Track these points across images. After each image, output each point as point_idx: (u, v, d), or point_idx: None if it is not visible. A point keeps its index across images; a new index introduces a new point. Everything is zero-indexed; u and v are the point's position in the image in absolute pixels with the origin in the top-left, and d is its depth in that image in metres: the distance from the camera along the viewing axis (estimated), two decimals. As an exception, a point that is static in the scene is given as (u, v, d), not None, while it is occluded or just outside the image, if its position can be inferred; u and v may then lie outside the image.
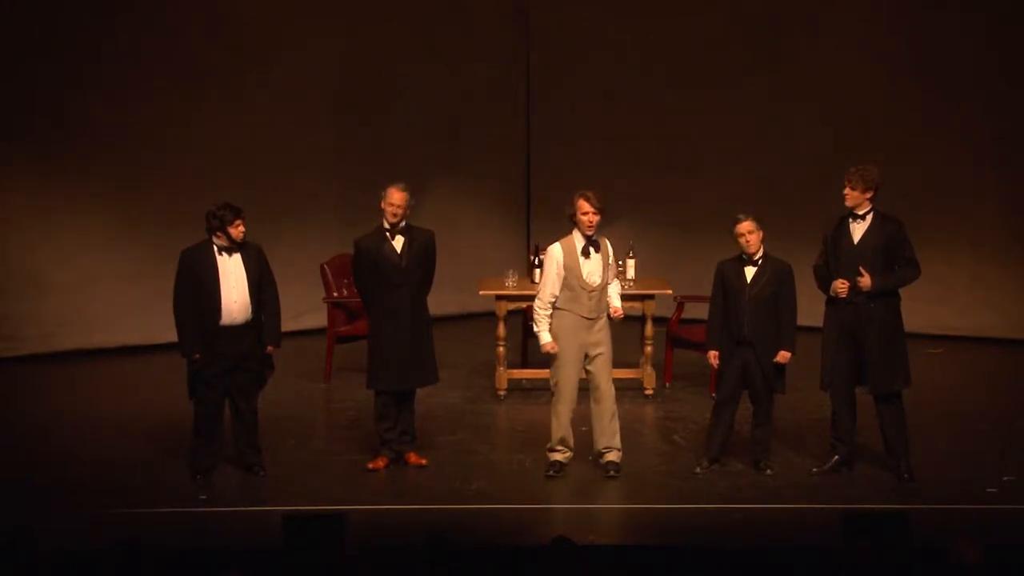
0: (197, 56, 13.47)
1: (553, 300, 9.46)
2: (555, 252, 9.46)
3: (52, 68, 12.90)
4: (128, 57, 13.20)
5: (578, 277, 9.41)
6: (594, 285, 9.42)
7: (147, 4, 13.35)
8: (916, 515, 6.96)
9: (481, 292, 11.90)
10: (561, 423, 9.54)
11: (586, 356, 9.49)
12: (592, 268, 9.44)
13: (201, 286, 9.35)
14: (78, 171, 13.16)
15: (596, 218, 9.38)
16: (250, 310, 9.42)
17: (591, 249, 9.45)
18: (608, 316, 9.57)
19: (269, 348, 9.56)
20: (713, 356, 9.60)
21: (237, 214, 9.37)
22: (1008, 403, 11.59)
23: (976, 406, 11.53)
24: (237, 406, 9.53)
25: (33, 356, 12.95)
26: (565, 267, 9.41)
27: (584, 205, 9.37)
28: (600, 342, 9.47)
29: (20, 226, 13.00)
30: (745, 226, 9.48)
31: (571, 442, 9.59)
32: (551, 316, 9.47)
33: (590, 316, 9.44)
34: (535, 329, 9.59)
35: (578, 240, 9.45)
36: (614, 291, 9.66)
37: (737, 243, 9.52)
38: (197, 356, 9.37)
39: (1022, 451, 10.16)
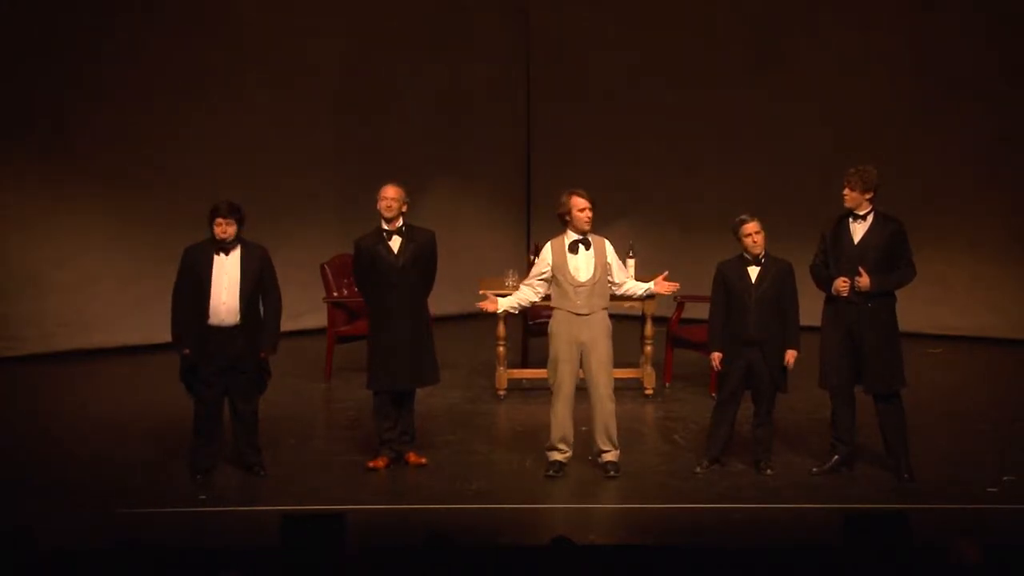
0: (197, 56, 13.48)
1: (532, 288, 9.60)
2: (545, 251, 9.60)
3: (52, 68, 12.91)
4: (128, 57, 13.22)
5: (564, 273, 9.45)
6: (580, 281, 9.44)
7: (147, 4, 13.36)
8: (916, 515, 6.95)
9: (481, 292, 11.86)
10: (559, 422, 9.54)
11: (581, 355, 9.51)
12: (580, 264, 9.46)
13: (196, 283, 9.35)
14: (78, 171, 13.16)
15: (592, 213, 9.42)
16: (238, 313, 9.35)
17: (580, 246, 9.47)
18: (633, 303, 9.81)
19: (262, 353, 9.50)
20: (716, 358, 9.58)
21: (226, 213, 9.30)
22: (1008, 403, 11.59)
23: (976, 406, 11.53)
24: (235, 408, 9.52)
25: (33, 356, 12.95)
26: (553, 264, 9.48)
27: (581, 201, 9.41)
28: (594, 339, 9.46)
29: (20, 226, 13.00)
30: (753, 226, 9.48)
31: (571, 441, 9.59)
32: (527, 302, 9.71)
33: (581, 312, 9.45)
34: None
35: (568, 237, 9.50)
36: (632, 285, 9.67)
37: (741, 243, 9.50)
38: (187, 352, 9.38)
39: (1022, 451, 10.16)
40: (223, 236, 9.32)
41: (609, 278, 9.54)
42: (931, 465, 9.66)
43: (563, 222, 9.52)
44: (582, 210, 9.41)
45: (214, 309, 9.32)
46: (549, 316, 10.79)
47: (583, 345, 9.47)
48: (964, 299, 13.87)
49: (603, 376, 9.50)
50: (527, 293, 9.68)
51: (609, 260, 9.54)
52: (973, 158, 13.75)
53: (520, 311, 9.98)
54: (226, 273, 9.35)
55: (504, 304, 9.73)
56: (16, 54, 12.83)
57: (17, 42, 12.83)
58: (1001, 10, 13.58)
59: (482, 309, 9.79)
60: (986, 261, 13.82)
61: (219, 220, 9.30)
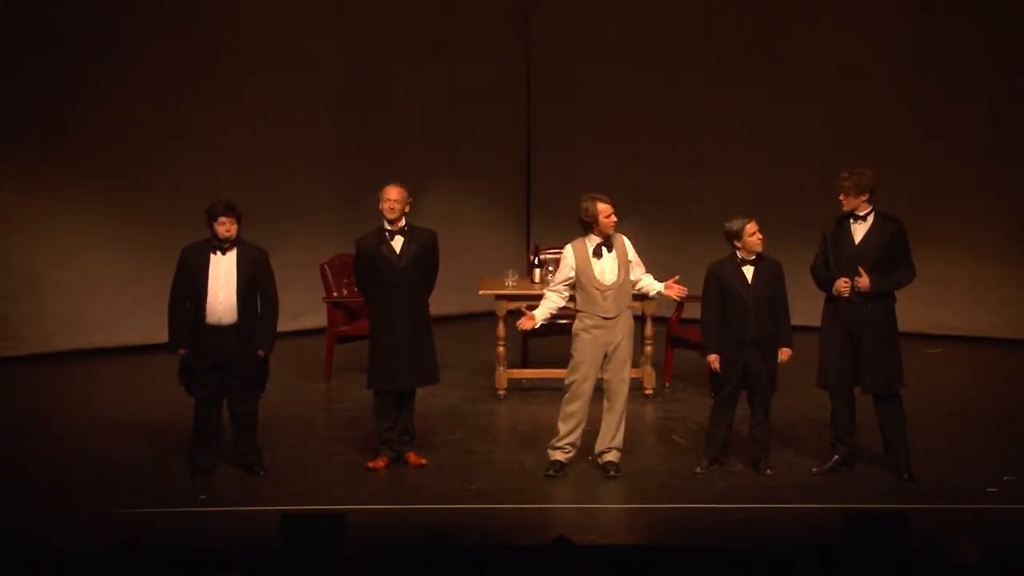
0: (197, 56, 13.47)
1: (559, 294, 9.55)
2: (567, 255, 9.52)
3: (52, 68, 12.90)
4: (128, 57, 13.21)
5: (590, 277, 9.41)
6: (607, 285, 9.42)
7: (147, 4, 13.35)
8: (916, 515, 6.96)
9: (481, 292, 11.90)
10: (572, 423, 9.52)
11: (605, 355, 9.48)
12: (605, 267, 9.44)
13: (193, 283, 9.35)
14: (78, 171, 13.16)
15: (616, 218, 9.41)
16: (235, 312, 9.36)
17: (603, 249, 9.45)
18: (657, 294, 9.72)
19: (260, 352, 9.50)
20: (715, 359, 9.57)
21: (226, 211, 9.32)
22: (1008, 403, 11.58)
23: (976, 406, 11.53)
24: (233, 409, 9.52)
25: (33, 356, 12.95)
26: (577, 269, 9.44)
27: (606, 207, 9.39)
28: (620, 340, 9.43)
29: (20, 226, 13.00)
30: (754, 226, 9.48)
31: (578, 444, 9.59)
32: (556, 309, 9.62)
33: (608, 315, 9.42)
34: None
35: (590, 241, 9.47)
36: (648, 282, 9.63)
37: (742, 244, 9.46)
38: (182, 352, 9.37)
39: (1022, 451, 10.16)
40: (227, 235, 9.33)
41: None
42: (931, 465, 9.66)
43: (586, 227, 9.46)
44: (608, 216, 9.39)
45: (211, 308, 9.33)
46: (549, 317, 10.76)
47: (608, 346, 9.45)
48: (964, 299, 13.87)
49: (622, 377, 9.47)
50: (555, 299, 9.59)
51: (630, 258, 9.53)
52: (973, 158, 13.74)
53: (552, 318, 9.89)
54: (223, 272, 9.36)
55: (540, 316, 9.65)
56: (16, 54, 12.83)
57: (17, 42, 12.82)
58: (1001, 10, 13.57)
59: (522, 327, 9.78)
60: (986, 261, 13.82)
61: (222, 219, 9.31)
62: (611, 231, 9.44)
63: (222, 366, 9.40)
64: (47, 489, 9.31)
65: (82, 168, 13.16)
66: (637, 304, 11.28)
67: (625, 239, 9.55)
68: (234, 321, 9.37)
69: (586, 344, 9.45)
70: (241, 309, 9.37)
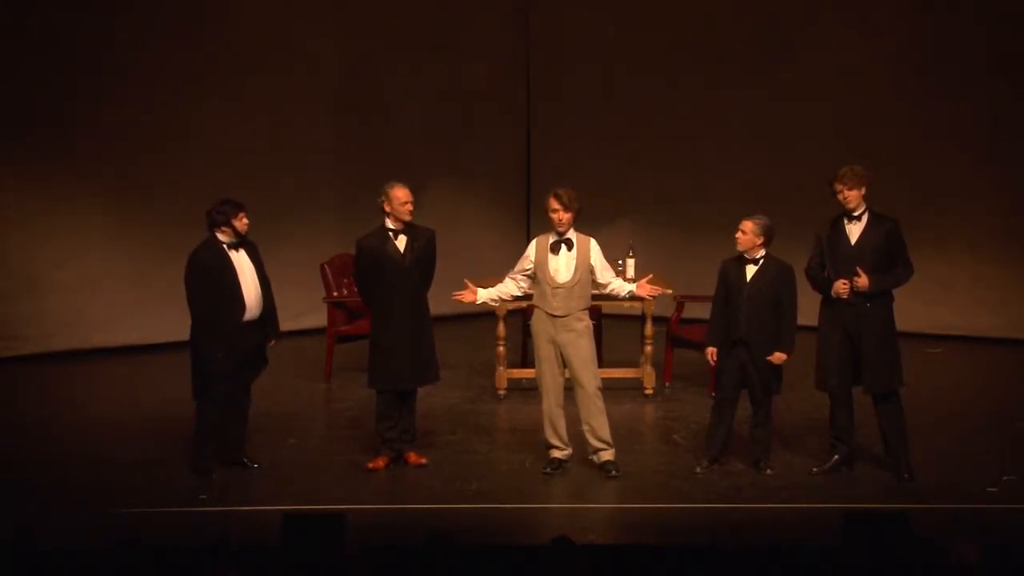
0: (197, 56, 13.48)
1: (516, 282, 9.62)
2: (530, 247, 9.60)
3: (52, 68, 12.91)
4: (128, 57, 13.22)
5: (544, 272, 9.45)
6: (558, 282, 9.42)
7: (147, 4, 13.36)
8: (916, 515, 6.95)
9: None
10: (548, 420, 9.58)
11: (561, 355, 9.50)
12: (559, 266, 9.44)
13: (222, 284, 9.31)
14: (78, 171, 13.17)
15: (565, 215, 9.37)
16: (263, 303, 9.47)
17: (562, 246, 9.45)
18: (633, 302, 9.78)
19: (272, 341, 9.59)
20: (711, 353, 9.58)
21: (240, 207, 9.39)
22: (1008, 403, 11.58)
23: (976, 406, 11.53)
24: (240, 402, 9.51)
25: (33, 356, 12.95)
26: (535, 261, 9.49)
27: (552, 203, 9.40)
28: (570, 342, 9.43)
29: (20, 226, 13.01)
30: (745, 224, 9.45)
31: (565, 438, 9.60)
32: (508, 296, 9.75)
33: (556, 313, 9.44)
34: None
35: (551, 236, 9.49)
36: (617, 285, 9.59)
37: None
38: (220, 355, 9.31)
39: (1022, 451, 10.16)
40: (245, 230, 9.40)
41: (594, 278, 9.52)
42: (931, 465, 9.66)
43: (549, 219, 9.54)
44: (554, 211, 9.40)
45: (248, 303, 9.37)
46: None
47: (561, 346, 9.46)
48: (964, 299, 13.87)
49: (586, 375, 9.47)
50: (510, 287, 9.69)
51: (593, 262, 9.48)
52: (973, 158, 13.75)
53: (500, 303, 9.96)
54: (245, 268, 9.42)
55: (483, 296, 9.74)
56: (16, 54, 12.83)
57: (17, 42, 12.83)
58: (1001, 10, 13.58)
59: (458, 298, 9.75)
60: (986, 261, 13.82)
61: (241, 214, 9.37)
62: (560, 228, 9.40)
63: (248, 360, 9.44)
64: (47, 489, 9.30)
65: (82, 168, 13.17)
66: (638, 304, 11.31)
67: (593, 242, 9.51)
68: (262, 311, 9.45)
69: (540, 341, 9.51)
70: (264, 302, 9.48)
